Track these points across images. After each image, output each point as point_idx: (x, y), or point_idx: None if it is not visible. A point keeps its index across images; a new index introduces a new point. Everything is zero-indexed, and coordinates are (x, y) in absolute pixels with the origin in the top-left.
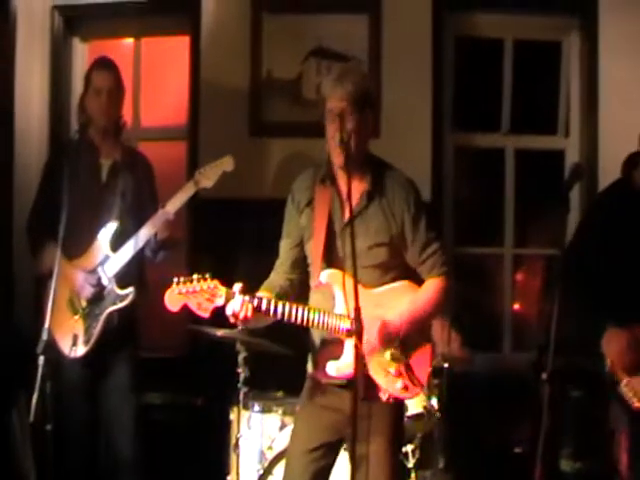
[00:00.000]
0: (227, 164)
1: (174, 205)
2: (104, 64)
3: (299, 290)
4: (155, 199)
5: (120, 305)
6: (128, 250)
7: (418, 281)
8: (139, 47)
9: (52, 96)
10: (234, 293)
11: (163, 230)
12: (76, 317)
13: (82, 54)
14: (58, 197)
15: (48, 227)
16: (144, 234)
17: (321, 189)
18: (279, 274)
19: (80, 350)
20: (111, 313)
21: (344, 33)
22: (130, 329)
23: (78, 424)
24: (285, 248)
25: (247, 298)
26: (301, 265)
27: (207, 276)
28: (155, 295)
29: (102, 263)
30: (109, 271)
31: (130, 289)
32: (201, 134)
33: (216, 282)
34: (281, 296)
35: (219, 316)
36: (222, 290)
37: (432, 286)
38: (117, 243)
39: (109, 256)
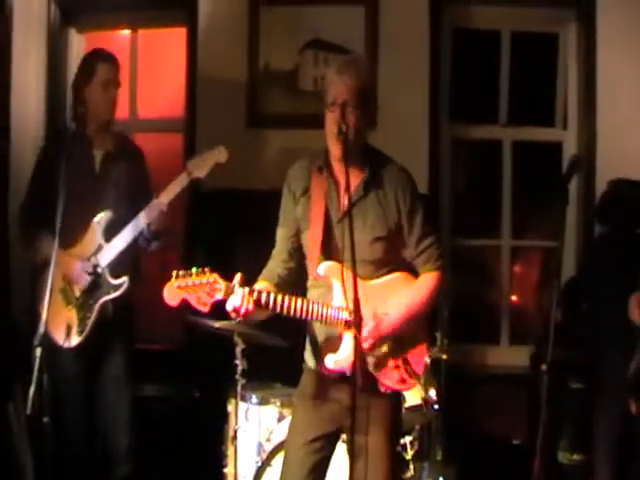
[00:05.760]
0: (220, 155)
1: (167, 196)
2: (108, 57)
3: (298, 278)
4: (148, 187)
5: (114, 295)
6: (121, 240)
7: (413, 273)
8: (136, 39)
9: (48, 87)
10: (234, 286)
11: (157, 221)
12: (69, 307)
13: (78, 45)
14: (50, 188)
15: (40, 217)
16: (137, 224)
17: (318, 178)
18: (277, 262)
19: (74, 340)
20: (105, 303)
21: (341, 25)
22: (125, 319)
23: (74, 415)
24: (282, 237)
25: (247, 290)
26: (299, 254)
27: (206, 270)
28: (152, 286)
29: (95, 252)
30: (102, 261)
31: (124, 279)
32: (198, 126)
33: (215, 276)
34: (280, 286)
35: (217, 308)
36: (221, 284)
37: (427, 280)
38: (110, 233)
39: (102, 245)
